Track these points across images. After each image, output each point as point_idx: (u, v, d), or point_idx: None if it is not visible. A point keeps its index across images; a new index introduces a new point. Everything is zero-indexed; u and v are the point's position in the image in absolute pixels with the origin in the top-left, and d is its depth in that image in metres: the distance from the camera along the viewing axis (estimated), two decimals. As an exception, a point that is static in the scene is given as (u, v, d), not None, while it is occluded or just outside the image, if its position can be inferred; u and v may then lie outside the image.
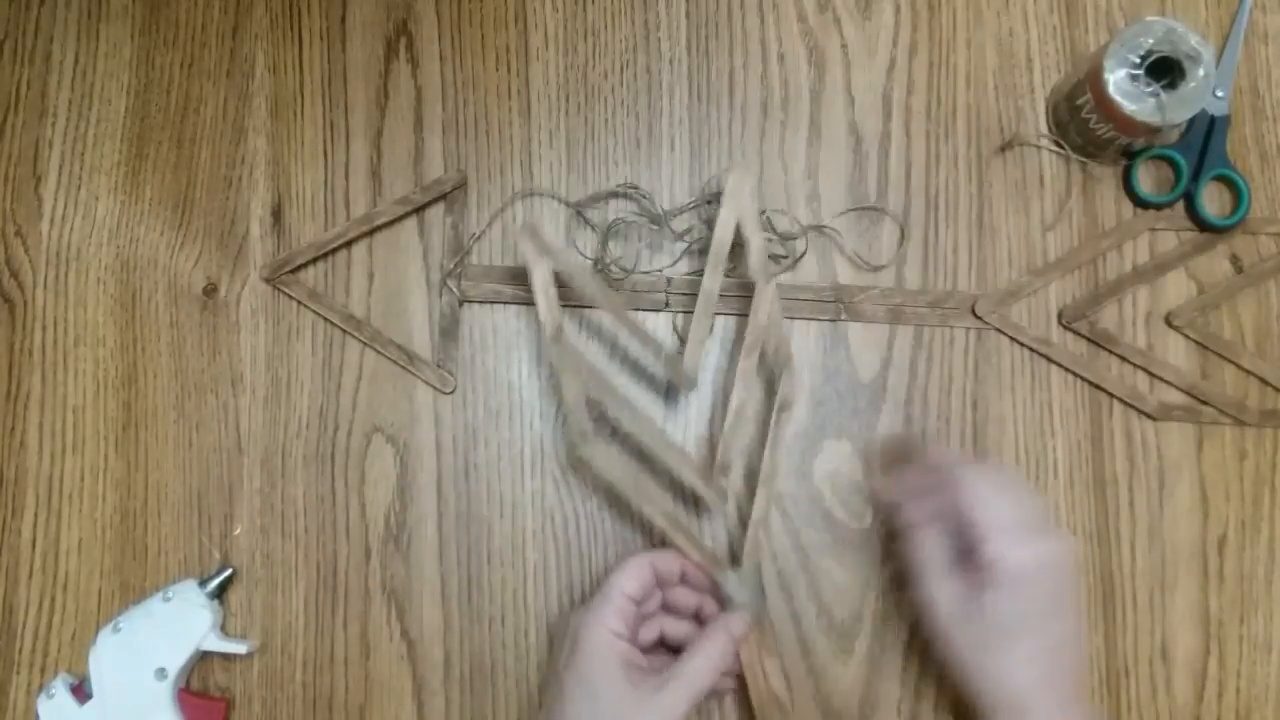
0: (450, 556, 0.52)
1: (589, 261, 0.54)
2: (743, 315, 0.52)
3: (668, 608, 0.48)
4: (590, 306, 0.53)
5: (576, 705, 0.42)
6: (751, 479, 0.51)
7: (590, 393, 0.48)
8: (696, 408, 0.54)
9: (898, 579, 0.52)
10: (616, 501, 0.53)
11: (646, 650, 0.47)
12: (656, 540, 0.52)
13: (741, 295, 0.53)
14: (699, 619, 0.48)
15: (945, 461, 0.47)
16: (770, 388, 0.52)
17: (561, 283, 0.49)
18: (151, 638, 0.49)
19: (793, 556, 0.53)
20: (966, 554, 0.44)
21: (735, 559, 0.50)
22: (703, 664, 0.44)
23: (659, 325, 0.54)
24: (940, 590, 0.45)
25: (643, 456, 0.52)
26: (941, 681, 0.51)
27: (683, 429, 0.53)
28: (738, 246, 0.51)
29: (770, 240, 0.55)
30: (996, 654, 0.43)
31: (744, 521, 0.50)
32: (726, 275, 0.54)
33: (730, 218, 0.50)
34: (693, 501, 0.52)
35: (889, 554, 0.52)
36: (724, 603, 0.48)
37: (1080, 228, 0.55)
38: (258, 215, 0.55)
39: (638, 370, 0.54)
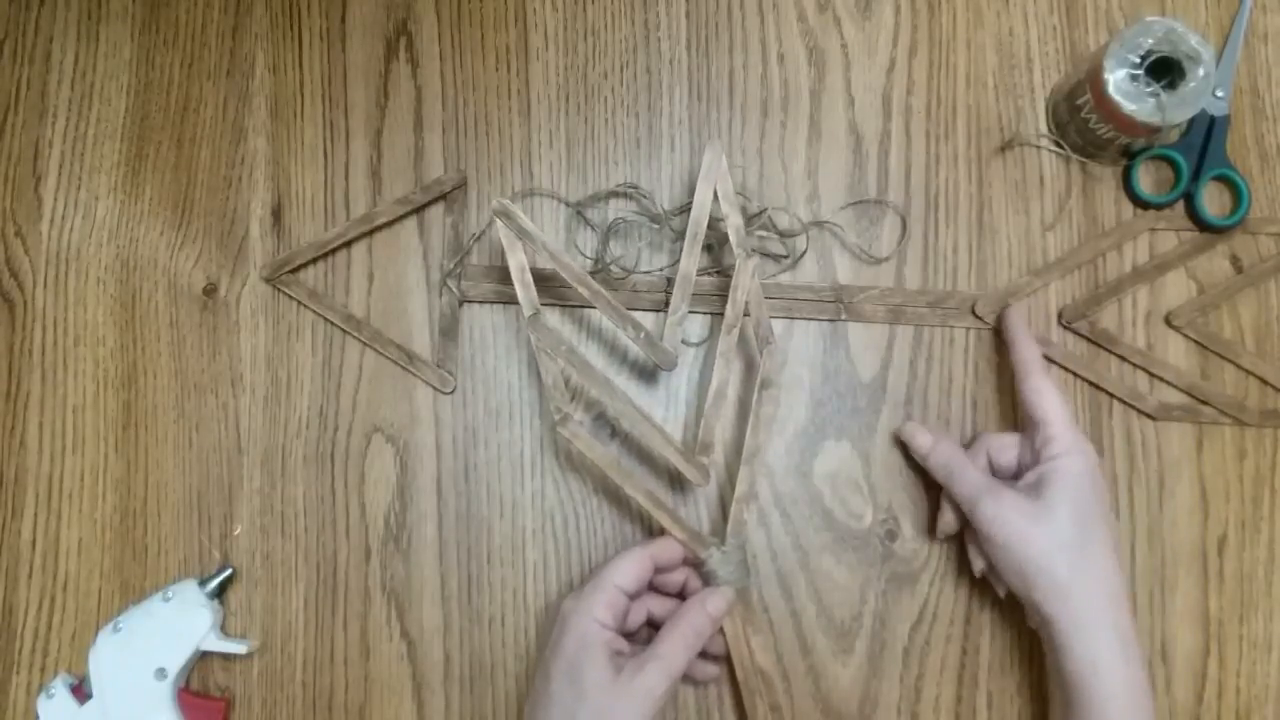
0: (450, 556, 0.52)
1: (587, 260, 0.54)
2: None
3: (654, 587, 0.49)
4: (582, 305, 0.53)
5: (561, 691, 0.43)
6: (735, 458, 0.51)
7: (570, 374, 0.48)
8: (681, 389, 0.54)
9: (913, 555, 0.52)
10: (616, 500, 0.53)
11: (635, 633, 0.48)
12: (657, 532, 0.52)
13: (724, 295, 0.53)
14: (683, 597, 0.48)
15: (1026, 367, 0.49)
16: (752, 367, 0.52)
17: (544, 276, 0.49)
18: (151, 638, 0.49)
19: (793, 556, 0.53)
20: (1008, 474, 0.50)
21: (720, 537, 0.50)
22: (678, 643, 0.44)
23: (659, 325, 0.54)
24: (1008, 499, 0.46)
25: (627, 438, 0.53)
26: (942, 675, 0.51)
27: (667, 411, 0.54)
28: (727, 244, 0.51)
29: (771, 238, 0.55)
30: (1077, 554, 0.44)
31: (728, 500, 0.50)
32: (718, 273, 0.54)
33: (706, 195, 0.50)
34: (677, 481, 0.53)
35: (887, 552, 0.52)
36: (707, 580, 0.48)
37: (1080, 228, 0.55)
38: (258, 215, 0.55)
39: (623, 356, 0.54)
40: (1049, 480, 0.46)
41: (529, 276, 0.48)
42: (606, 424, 0.53)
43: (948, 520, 0.50)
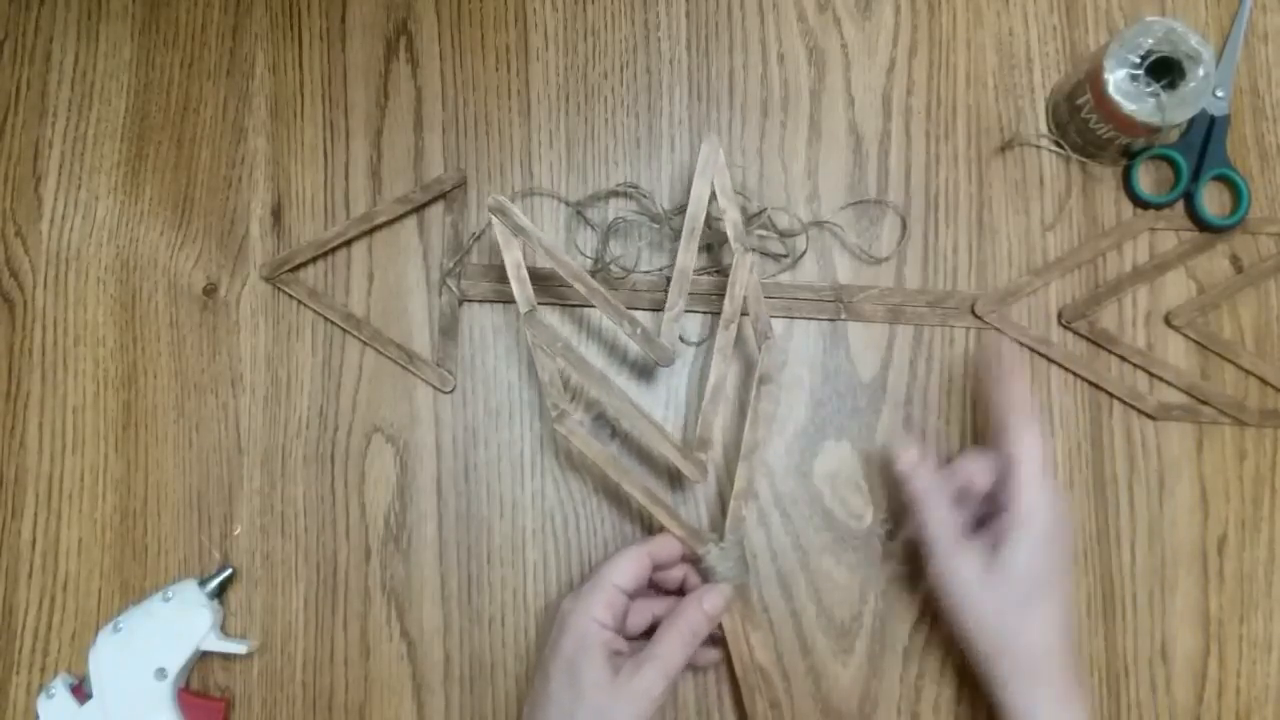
0: (450, 556, 0.52)
1: (586, 260, 0.54)
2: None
3: (653, 585, 0.48)
4: (581, 304, 0.53)
5: (559, 691, 0.43)
6: (733, 455, 0.51)
7: (567, 371, 0.48)
8: (679, 388, 0.54)
9: (909, 557, 0.52)
10: (616, 500, 0.53)
11: (638, 636, 0.47)
12: (657, 532, 0.52)
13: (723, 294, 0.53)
14: (683, 594, 0.48)
15: (1014, 403, 0.47)
16: (751, 365, 0.52)
17: (543, 275, 0.48)
18: (151, 638, 0.49)
19: (793, 556, 0.53)
20: (974, 525, 0.47)
21: (718, 534, 0.50)
22: (675, 643, 0.44)
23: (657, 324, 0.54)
24: (961, 556, 0.45)
25: (626, 436, 0.53)
26: (942, 675, 0.51)
27: (666, 409, 0.54)
28: (726, 244, 0.51)
29: (771, 238, 0.55)
30: (1019, 614, 0.44)
31: (727, 497, 0.50)
32: (717, 272, 0.54)
33: (703, 190, 0.50)
34: (676, 479, 0.53)
35: (889, 553, 0.52)
36: (706, 576, 0.48)
37: (1080, 228, 0.55)
38: (258, 215, 0.55)
39: (622, 355, 0.54)
40: (1007, 541, 0.45)
41: (525, 273, 0.48)
42: (606, 424, 0.53)
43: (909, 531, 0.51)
